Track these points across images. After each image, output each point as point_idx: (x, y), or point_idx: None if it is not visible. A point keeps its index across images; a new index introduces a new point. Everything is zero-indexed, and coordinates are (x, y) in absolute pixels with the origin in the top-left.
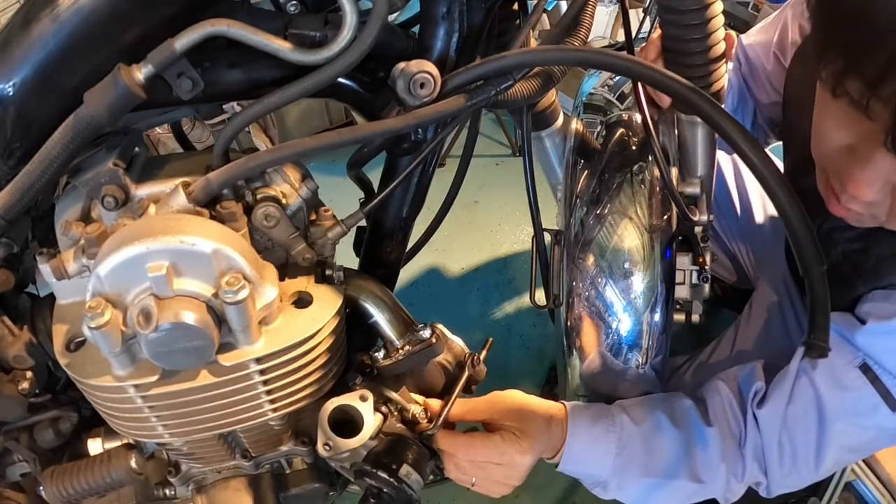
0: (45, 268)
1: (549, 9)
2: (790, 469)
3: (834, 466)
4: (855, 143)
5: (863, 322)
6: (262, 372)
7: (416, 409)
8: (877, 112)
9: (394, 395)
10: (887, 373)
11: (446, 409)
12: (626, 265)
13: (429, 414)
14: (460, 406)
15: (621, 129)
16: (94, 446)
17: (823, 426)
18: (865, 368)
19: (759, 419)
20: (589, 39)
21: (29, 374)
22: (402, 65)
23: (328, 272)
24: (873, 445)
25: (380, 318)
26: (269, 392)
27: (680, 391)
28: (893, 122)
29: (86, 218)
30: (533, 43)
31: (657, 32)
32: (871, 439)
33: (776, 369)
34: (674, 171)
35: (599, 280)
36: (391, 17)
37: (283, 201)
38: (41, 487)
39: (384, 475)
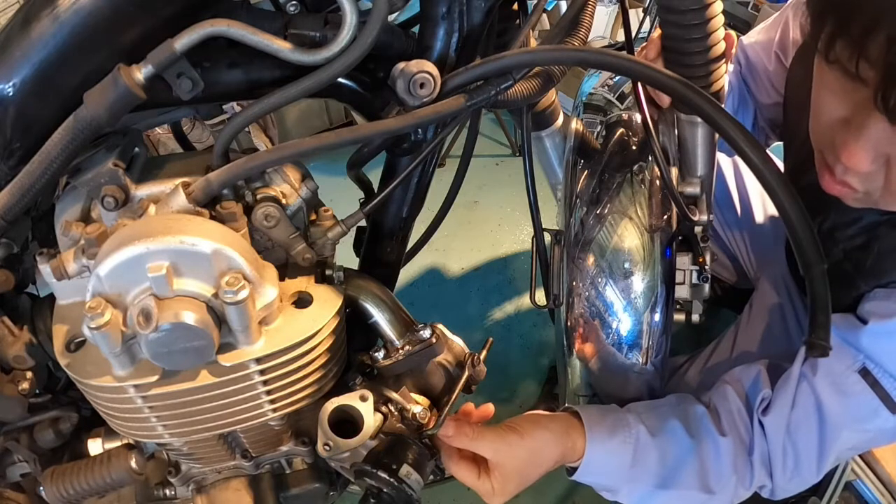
0: (45, 268)
1: (549, 9)
2: (793, 473)
3: (833, 464)
4: (849, 115)
5: (864, 322)
6: (262, 372)
7: (416, 409)
8: (866, 74)
9: (394, 395)
10: (888, 376)
11: (447, 409)
12: (626, 265)
13: (429, 414)
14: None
15: (621, 129)
16: (94, 446)
17: (825, 432)
18: (865, 373)
19: (764, 426)
20: (589, 39)
21: (29, 374)
22: (401, 65)
23: (328, 272)
24: (872, 444)
25: (380, 318)
26: (269, 392)
27: (680, 391)
28: (881, 80)
29: (86, 218)
30: (533, 43)
31: (658, 32)
32: (871, 439)
33: (777, 369)
34: (674, 171)
35: (599, 280)
36: (391, 17)
37: (283, 201)
38: (41, 488)
39: (384, 475)
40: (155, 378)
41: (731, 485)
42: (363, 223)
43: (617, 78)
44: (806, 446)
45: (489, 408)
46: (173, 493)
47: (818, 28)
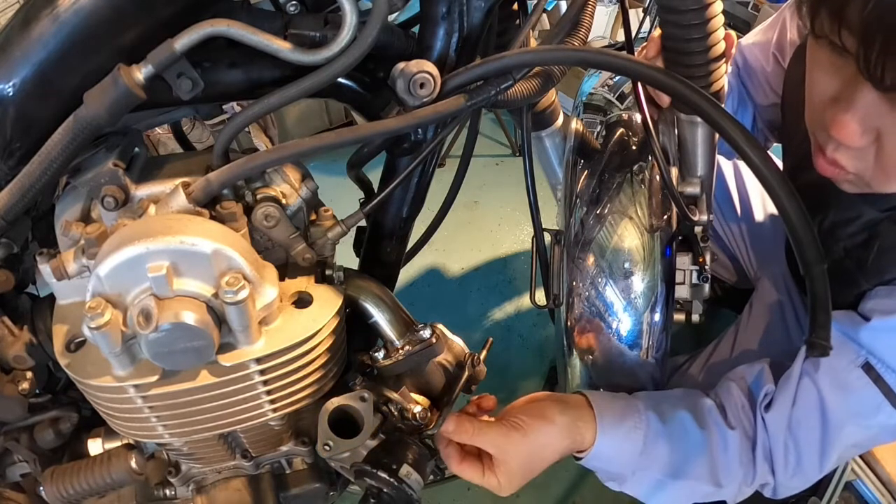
0: (45, 268)
1: (549, 9)
2: (795, 470)
3: (836, 463)
4: (839, 91)
5: (867, 319)
6: (262, 372)
7: (416, 409)
8: (849, 43)
9: (394, 395)
10: (890, 371)
11: (447, 410)
12: (626, 265)
13: (429, 414)
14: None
15: (621, 129)
16: (94, 446)
17: (828, 428)
18: (868, 368)
19: (766, 423)
20: (589, 39)
21: (29, 374)
22: (401, 65)
23: (328, 272)
24: (876, 441)
25: (380, 318)
26: (269, 392)
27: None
28: (861, 43)
29: (86, 218)
30: (533, 43)
31: (658, 31)
32: (874, 436)
33: (780, 367)
34: (674, 171)
35: (599, 280)
36: (391, 17)
37: (283, 201)
38: (41, 488)
39: (384, 475)
40: (155, 378)
41: (737, 479)
42: (363, 223)
43: (617, 78)
44: (808, 443)
45: (490, 399)
46: (173, 493)
47: (804, 3)
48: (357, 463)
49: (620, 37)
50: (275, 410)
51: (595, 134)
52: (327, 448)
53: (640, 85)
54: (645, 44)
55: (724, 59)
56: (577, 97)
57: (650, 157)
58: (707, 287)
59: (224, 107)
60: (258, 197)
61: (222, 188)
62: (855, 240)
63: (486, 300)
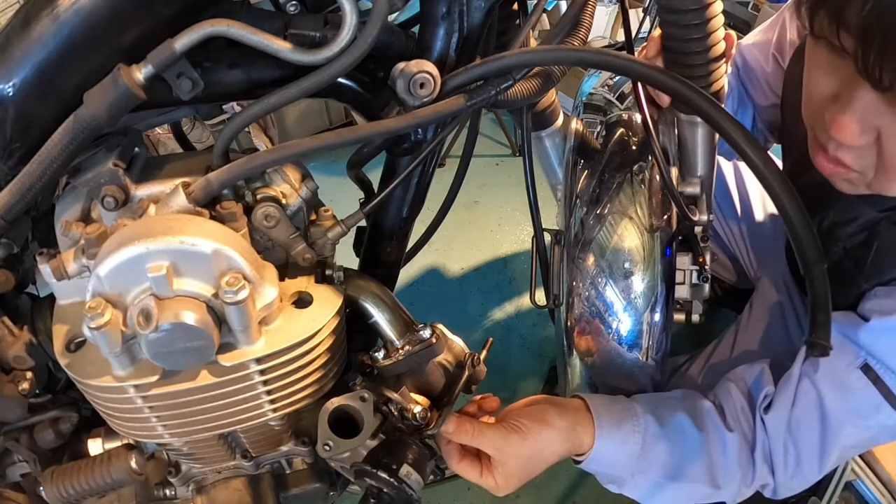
0: (45, 268)
1: (549, 9)
2: (795, 471)
3: (835, 463)
4: (838, 90)
5: (866, 320)
6: (262, 372)
7: (416, 409)
8: (847, 44)
9: (394, 395)
10: (889, 371)
11: (447, 410)
12: (626, 265)
13: (429, 414)
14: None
15: (621, 129)
16: (94, 446)
17: (827, 429)
18: (867, 369)
19: (766, 424)
20: (589, 39)
21: (29, 374)
22: (401, 65)
23: (328, 272)
24: (875, 442)
25: (380, 318)
26: (269, 392)
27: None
28: (859, 44)
29: (86, 218)
30: (533, 43)
31: (658, 31)
32: (873, 436)
33: (779, 368)
34: (674, 171)
35: (599, 280)
36: (391, 17)
37: (283, 201)
38: (41, 488)
39: (384, 475)
40: (155, 378)
41: (736, 480)
42: (363, 223)
43: (617, 78)
44: (807, 443)
45: (493, 401)
46: (173, 493)
47: (803, 4)
48: (357, 463)
49: (620, 37)
50: (275, 410)
51: (595, 134)
52: (327, 448)
53: (640, 85)
54: (645, 44)
55: (724, 59)
56: (577, 97)
57: (650, 157)
58: (707, 287)
59: (224, 107)
60: (258, 197)
61: (222, 188)
62: (854, 240)
63: (486, 300)
